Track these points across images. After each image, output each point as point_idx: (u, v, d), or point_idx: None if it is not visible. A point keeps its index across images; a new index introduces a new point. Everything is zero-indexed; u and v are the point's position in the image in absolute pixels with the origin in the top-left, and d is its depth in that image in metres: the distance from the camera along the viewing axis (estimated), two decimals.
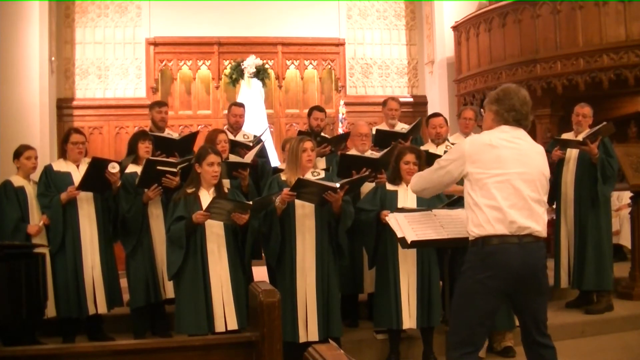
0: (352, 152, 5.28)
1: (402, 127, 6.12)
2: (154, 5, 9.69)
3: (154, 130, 5.64)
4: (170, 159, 5.01)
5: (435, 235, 3.78)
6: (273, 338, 2.31)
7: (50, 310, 4.73)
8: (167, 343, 2.62)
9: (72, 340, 4.81)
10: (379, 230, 4.52)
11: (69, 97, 9.54)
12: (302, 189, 4.22)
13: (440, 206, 4.27)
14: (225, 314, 4.21)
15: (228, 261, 4.27)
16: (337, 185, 4.21)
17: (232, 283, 4.25)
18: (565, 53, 7.79)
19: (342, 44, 10.20)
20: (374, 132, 5.77)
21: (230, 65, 9.66)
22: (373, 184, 4.87)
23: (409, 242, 3.75)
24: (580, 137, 5.43)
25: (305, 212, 4.42)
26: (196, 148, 5.04)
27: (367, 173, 4.73)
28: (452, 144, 5.43)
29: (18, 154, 5.02)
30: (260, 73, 9.48)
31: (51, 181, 4.91)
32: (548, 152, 5.55)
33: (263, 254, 4.85)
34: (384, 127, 6.18)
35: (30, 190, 4.95)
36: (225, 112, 7.16)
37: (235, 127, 5.83)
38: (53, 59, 9.04)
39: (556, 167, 5.60)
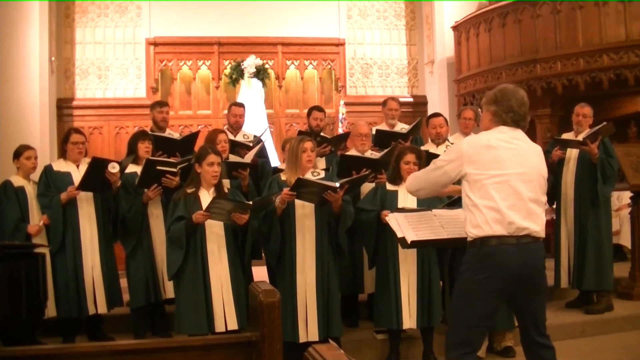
0: (352, 152, 5.27)
1: (402, 127, 6.12)
2: (154, 5, 9.69)
3: (155, 130, 5.64)
4: (171, 159, 5.01)
5: (435, 236, 3.78)
6: (273, 338, 2.31)
7: (51, 310, 4.74)
8: (167, 343, 2.62)
9: (72, 340, 4.81)
10: (379, 230, 4.52)
11: (69, 97, 9.54)
12: (302, 188, 4.22)
13: (440, 206, 4.27)
14: (225, 314, 4.21)
15: (228, 261, 4.27)
16: (337, 184, 4.21)
17: (232, 283, 4.25)
18: (565, 53, 7.79)
19: (342, 44, 10.20)
20: (374, 132, 5.77)
21: (230, 65, 9.66)
22: (373, 184, 4.87)
23: (409, 242, 3.75)
24: (580, 137, 5.43)
25: (305, 212, 4.42)
26: (197, 148, 5.04)
27: (367, 173, 4.73)
28: (452, 144, 5.43)
29: (18, 154, 5.02)
30: (260, 73, 9.48)
31: (51, 181, 4.91)
32: (548, 152, 5.57)
33: (263, 254, 4.85)
34: (383, 127, 6.18)
35: (30, 190, 4.95)
36: (225, 112, 7.17)
37: (235, 127, 5.83)
38: (53, 59, 9.04)
39: (556, 167, 5.60)
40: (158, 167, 4.72)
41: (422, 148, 5.18)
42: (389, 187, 4.63)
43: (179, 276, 4.24)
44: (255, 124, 8.21)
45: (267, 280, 4.47)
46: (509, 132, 3.16)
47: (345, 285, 4.89)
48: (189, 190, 4.30)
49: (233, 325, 4.20)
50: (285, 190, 4.23)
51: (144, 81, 9.70)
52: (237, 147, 5.36)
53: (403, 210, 4.12)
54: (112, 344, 2.81)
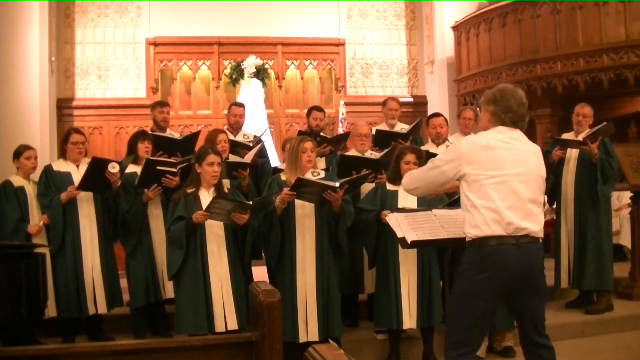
0: (352, 152, 5.27)
1: (402, 127, 6.11)
2: (154, 5, 9.69)
3: (156, 130, 5.63)
4: (172, 159, 5.01)
5: (435, 236, 3.78)
6: (273, 338, 2.31)
7: (51, 310, 4.74)
8: (167, 343, 2.62)
9: (72, 340, 4.81)
10: (379, 230, 4.52)
11: (69, 97, 9.55)
12: (302, 188, 4.22)
13: (440, 206, 4.27)
14: (225, 314, 4.21)
15: (228, 261, 4.27)
16: (337, 184, 4.21)
17: (232, 283, 4.25)
18: (565, 53, 7.79)
19: (342, 44, 10.20)
20: (373, 132, 5.77)
21: (230, 65, 9.66)
22: (373, 184, 4.87)
23: (409, 242, 3.75)
24: (580, 137, 5.43)
25: (305, 212, 4.42)
26: (197, 148, 5.04)
27: (367, 172, 4.73)
28: (452, 144, 5.43)
29: (18, 154, 5.01)
30: (260, 73, 9.48)
31: (51, 181, 4.91)
32: (548, 152, 5.58)
33: (263, 254, 4.85)
34: (383, 127, 6.18)
35: (30, 190, 4.94)
36: (225, 112, 7.17)
37: (235, 127, 5.83)
38: (53, 59, 9.04)
39: (556, 167, 5.60)
40: (158, 167, 4.72)
41: (422, 148, 5.18)
42: (389, 187, 4.63)
43: (179, 276, 4.24)
44: (255, 124, 8.21)
45: (267, 280, 4.46)
46: (508, 133, 3.16)
47: (345, 285, 4.89)
48: (189, 190, 4.30)
49: (233, 325, 4.20)
50: (285, 190, 4.23)
51: (144, 81, 9.70)
52: (237, 147, 5.36)
53: (403, 210, 4.12)
54: (112, 344, 2.81)
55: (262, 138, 5.80)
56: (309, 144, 4.46)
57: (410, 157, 4.52)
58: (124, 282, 5.09)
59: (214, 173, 4.27)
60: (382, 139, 5.71)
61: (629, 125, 8.69)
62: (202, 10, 9.65)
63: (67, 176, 4.94)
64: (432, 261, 4.52)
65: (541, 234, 3.15)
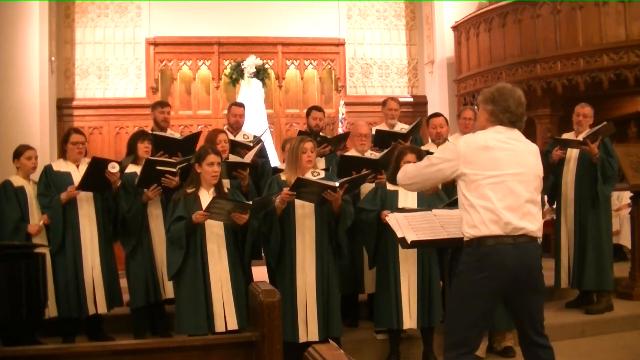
0: (352, 152, 5.27)
1: (401, 127, 6.11)
2: (154, 5, 9.70)
3: (156, 130, 5.63)
4: (172, 159, 5.01)
5: (435, 236, 3.78)
6: (273, 338, 2.30)
7: (52, 310, 4.74)
8: (167, 343, 2.62)
9: (72, 340, 4.81)
10: (379, 230, 4.52)
11: (69, 97, 9.55)
12: (302, 188, 4.22)
13: (440, 206, 4.27)
14: (225, 314, 4.20)
15: (228, 261, 4.27)
16: (337, 184, 4.21)
17: (232, 283, 4.25)
18: (565, 53, 7.80)
19: (342, 44, 10.21)
20: (373, 132, 5.77)
21: (230, 65, 9.67)
22: (373, 185, 4.87)
23: (409, 242, 3.75)
24: (580, 137, 5.43)
25: (305, 212, 4.42)
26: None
27: (366, 172, 4.72)
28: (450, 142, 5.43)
29: (18, 154, 5.01)
30: (260, 73, 9.48)
31: (51, 181, 4.91)
32: (548, 152, 5.58)
33: (263, 254, 4.85)
34: (383, 127, 6.18)
35: (30, 190, 4.94)
36: (225, 112, 7.17)
37: (235, 127, 5.83)
38: (53, 59, 9.04)
39: (556, 167, 5.60)
40: (157, 167, 4.72)
41: (422, 148, 5.18)
42: (389, 187, 4.63)
43: (179, 276, 4.24)
44: (255, 124, 8.21)
45: (267, 280, 4.46)
46: (506, 132, 3.15)
47: (345, 285, 4.89)
48: (189, 190, 4.30)
49: (233, 325, 4.20)
50: (285, 190, 4.23)
51: (144, 81, 9.70)
52: (237, 147, 5.36)
53: (403, 210, 4.12)
54: (112, 344, 2.81)
55: (262, 138, 5.80)
56: (309, 144, 4.46)
57: (410, 157, 4.52)
58: (124, 282, 5.09)
59: (214, 173, 4.27)
60: (382, 139, 5.71)
61: (629, 125, 8.69)
62: (202, 10, 9.65)
63: (67, 176, 4.94)
64: (432, 261, 4.52)
65: (539, 234, 3.15)
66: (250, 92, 9.33)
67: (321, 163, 5.49)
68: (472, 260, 3.09)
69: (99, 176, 4.75)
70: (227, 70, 9.70)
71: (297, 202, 4.37)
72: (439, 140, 5.58)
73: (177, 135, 5.87)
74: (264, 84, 9.54)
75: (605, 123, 5.39)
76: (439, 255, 4.49)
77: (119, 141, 9.39)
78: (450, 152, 3.24)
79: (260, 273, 4.96)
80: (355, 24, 10.36)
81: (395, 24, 10.49)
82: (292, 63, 10.05)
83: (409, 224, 3.81)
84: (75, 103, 9.53)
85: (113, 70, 9.69)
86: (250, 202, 4.21)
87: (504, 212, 3.03)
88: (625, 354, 4.87)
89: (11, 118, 8.47)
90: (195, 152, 4.72)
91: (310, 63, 10.10)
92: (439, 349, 4.46)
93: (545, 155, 5.55)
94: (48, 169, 4.97)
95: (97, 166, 4.75)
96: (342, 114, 9.48)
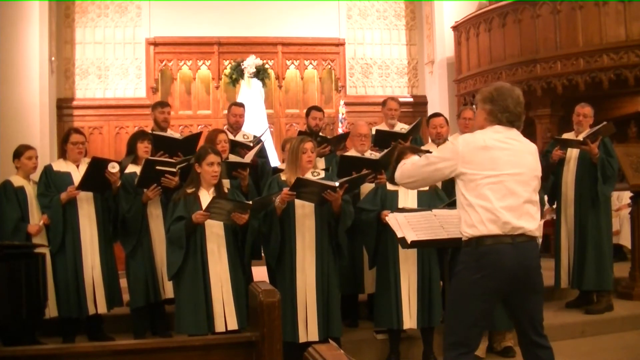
0: (352, 152, 5.27)
1: (401, 127, 6.11)
2: (154, 5, 9.70)
3: (157, 130, 5.63)
4: (172, 159, 5.00)
5: (435, 236, 3.77)
6: (273, 338, 2.30)
7: (52, 310, 4.74)
8: (167, 343, 2.62)
9: (72, 340, 4.81)
10: (379, 230, 4.51)
11: (69, 97, 9.55)
12: (302, 188, 4.22)
13: (440, 206, 4.27)
14: (225, 314, 4.20)
15: (228, 261, 4.27)
16: (337, 184, 4.21)
17: (232, 283, 4.24)
18: (565, 53, 7.80)
19: (342, 44, 10.21)
20: (373, 132, 5.77)
21: (230, 65, 9.67)
22: (373, 185, 4.87)
23: (409, 242, 3.75)
24: (580, 137, 5.43)
25: (305, 212, 4.42)
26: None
27: (366, 172, 4.72)
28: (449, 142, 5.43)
29: (18, 154, 5.01)
30: (260, 73, 9.49)
31: (51, 181, 4.91)
32: (548, 152, 5.58)
33: (263, 254, 4.85)
34: (383, 127, 6.18)
35: (30, 190, 4.94)
36: (225, 112, 7.17)
37: (235, 127, 5.83)
38: (53, 59, 9.04)
39: (556, 167, 5.60)
40: (157, 167, 4.72)
41: (422, 148, 5.18)
42: (389, 187, 4.62)
43: (178, 276, 4.23)
44: (255, 124, 8.21)
45: (267, 280, 4.46)
46: (505, 132, 3.15)
47: (345, 285, 4.89)
48: (189, 190, 4.30)
49: (233, 325, 4.20)
50: (285, 190, 4.23)
51: (144, 81, 9.71)
52: (237, 147, 5.36)
53: (403, 210, 4.12)
54: (112, 344, 2.81)
55: (262, 138, 5.80)
56: (309, 144, 4.46)
57: (410, 157, 4.52)
58: (124, 282, 5.09)
59: (213, 173, 4.27)
60: (382, 139, 5.71)
61: (629, 125, 8.69)
62: (202, 10, 9.65)
63: (67, 176, 4.94)
64: (432, 261, 4.52)
65: (537, 233, 3.15)
66: (250, 92, 9.33)
67: (321, 163, 5.49)
68: (470, 260, 3.09)
69: (99, 176, 4.75)
70: (227, 70, 9.70)
71: (297, 202, 4.37)
72: (439, 140, 5.58)
73: (177, 135, 5.87)
74: (264, 84, 9.55)
75: (605, 123, 5.39)
76: (439, 255, 4.49)
77: (119, 141, 9.39)
78: (449, 151, 3.23)
79: (260, 273, 4.96)
80: (355, 24, 10.36)
81: (395, 24, 10.49)
82: (292, 63, 10.05)
83: (409, 224, 3.81)
84: (75, 103, 9.53)
85: (113, 70, 9.70)
86: (250, 202, 4.21)
87: (503, 212, 3.03)
88: (625, 354, 4.87)
89: (11, 118, 8.47)
90: (195, 152, 4.73)
91: (310, 63, 10.11)
92: (439, 349, 4.46)
93: (545, 155, 5.56)
94: (48, 169, 4.97)
95: (97, 166, 4.75)
96: (342, 114, 9.48)
